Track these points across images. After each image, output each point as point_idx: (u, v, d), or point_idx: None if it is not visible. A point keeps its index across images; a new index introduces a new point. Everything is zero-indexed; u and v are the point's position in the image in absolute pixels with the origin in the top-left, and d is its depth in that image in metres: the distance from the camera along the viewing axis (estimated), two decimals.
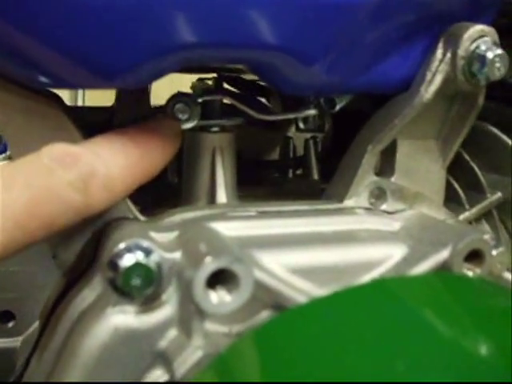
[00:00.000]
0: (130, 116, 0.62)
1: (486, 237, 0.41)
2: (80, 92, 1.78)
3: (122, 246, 0.34)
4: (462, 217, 0.53)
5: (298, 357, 0.30)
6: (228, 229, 0.40)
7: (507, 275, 0.46)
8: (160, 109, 0.63)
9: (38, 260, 0.50)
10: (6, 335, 0.62)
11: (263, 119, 0.49)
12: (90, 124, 0.44)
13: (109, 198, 0.36)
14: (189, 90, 0.70)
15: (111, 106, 0.66)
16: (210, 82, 0.77)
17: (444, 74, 0.43)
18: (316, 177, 0.63)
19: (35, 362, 0.41)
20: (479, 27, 0.42)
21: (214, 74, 0.75)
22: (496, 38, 0.43)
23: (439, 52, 0.43)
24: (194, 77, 0.79)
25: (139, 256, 0.34)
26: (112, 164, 0.36)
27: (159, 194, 0.40)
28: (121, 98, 0.63)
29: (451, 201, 0.53)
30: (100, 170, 0.35)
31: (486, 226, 0.54)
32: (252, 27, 0.37)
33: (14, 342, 0.62)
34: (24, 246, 0.33)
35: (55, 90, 0.42)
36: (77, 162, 0.34)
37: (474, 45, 0.42)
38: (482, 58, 0.42)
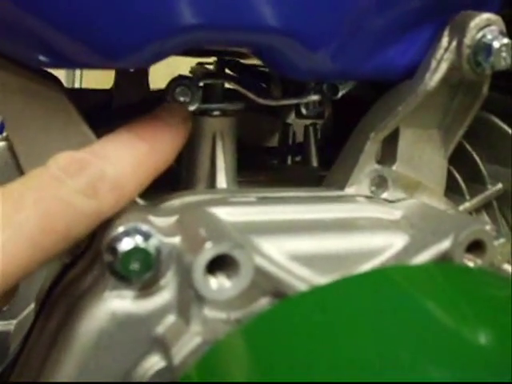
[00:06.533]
0: (128, 98, 0.62)
1: (488, 227, 0.40)
2: (77, 75, 1.77)
3: (120, 229, 0.34)
4: (462, 207, 0.53)
5: (297, 346, 0.30)
6: (228, 214, 0.39)
7: (507, 267, 0.46)
8: (159, 92, 0.62)
9: None
10: (0, 318, 0.62)
11: (265, 104, 0.48)
12: (89, 106, 0.44)
13: (120, 198, 0.35)
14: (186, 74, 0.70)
15: (110, 89, 0.65)
16: (209, 67, 0.77)
17: (449, 62, 0.42)
18: (315, 164, 0.62)
19: (31, 344, 0.41)
20: (486, 16, 0.42)
21: (214, 58, 0.75)
22: (503, 27, 0.42)
23: (445, 40, 0.43)
24: (192, 61, 0.79)
25: (138, 240, 0.34)
26: (120, 164, 0.36)
27: (157, 177, 0.40)
28: (119, 81, 0.63)
29: (452, 191, 0.53)
30: (108, 173, 0.35)
31: (485, 217, 0.54)
32: (256, 9, 0.37)
33: (8, 325, 0.62)
34: (43, 262, 0.32)
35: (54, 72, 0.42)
36: (84, 168, 0.34)
37: (481, 34, 0.42)
38: (488, 47, 0.41)
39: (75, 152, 0.35)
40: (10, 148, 0.44)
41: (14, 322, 0.64)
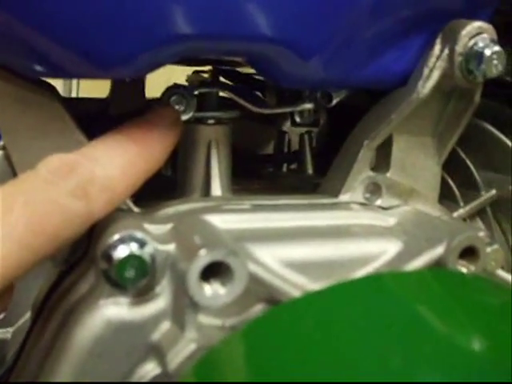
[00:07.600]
0: (124, 107, 0.62)
1: (481, 234, 0.40)
2: (74, 84, 1.77)
3: (116, 237, 0.34)
4: (455, 214, 0.53)
5: (290, 352, 0.30)
6: (222, 222, 0.39)
7: (500, 273, 0.46)
8: (155, 101, 0.62)
9: None
10: None
11: (260, 112, 0.49)
12: (86, 115, 0.44)
13: (110, 200, 0.35)
14: (181, 82, 0.70)
15: (106, 98, 0.65)
16: (205, 75, 0.77)
17: (441, 70, 0.43)
18: (310, 171, 0.62)
19: (27, 351, 0.41)
20: (477, 24, 0.42)
21: (210, 67, 0.75)
22: (494, 34, 0.42)
23: (437, 48, 0.43)
24: (188, 68, 0.79)
25: (133, 247, 0.34)
26: (110, 166, 0.36)
27: (152, 186, 0.40)
28: (116, 90, 0.63)
29: (445, 198, 0.53)
30: (98, 174, 0.35)
31: (479, 224, 0.54)
32: (250, 19, 0.37)
33: (5, 333, 0.62)
34: (34, 263, 0.32)
35: (50, 81, 0.42)
36: (74, 170, 0.34)
37: (472, 41, 0.42)
38: (479, 55, 0.42)
39: (65, 154, 0.35)
40: (7, 157, 0.44)
41: (11, 329, 0.64)
